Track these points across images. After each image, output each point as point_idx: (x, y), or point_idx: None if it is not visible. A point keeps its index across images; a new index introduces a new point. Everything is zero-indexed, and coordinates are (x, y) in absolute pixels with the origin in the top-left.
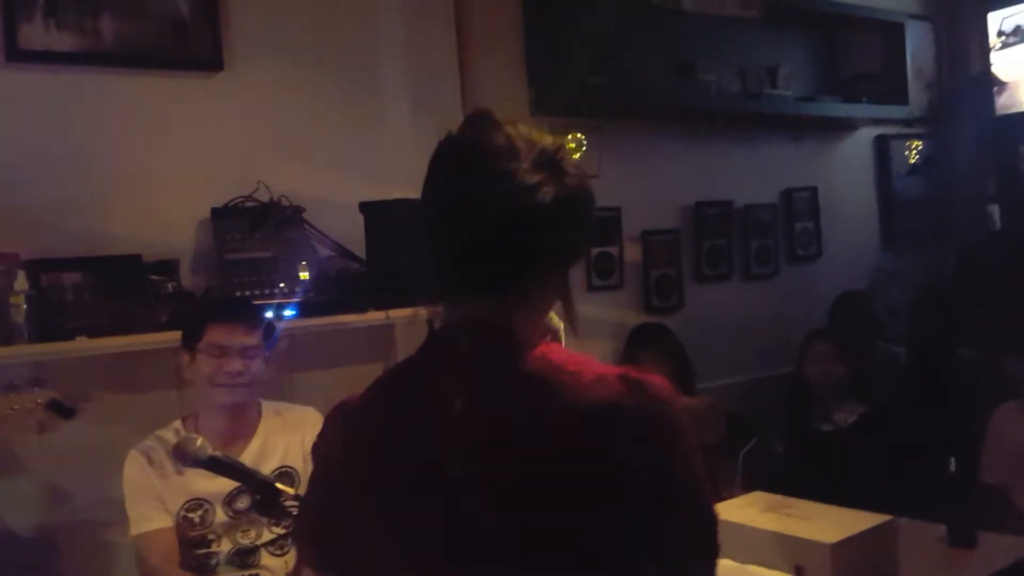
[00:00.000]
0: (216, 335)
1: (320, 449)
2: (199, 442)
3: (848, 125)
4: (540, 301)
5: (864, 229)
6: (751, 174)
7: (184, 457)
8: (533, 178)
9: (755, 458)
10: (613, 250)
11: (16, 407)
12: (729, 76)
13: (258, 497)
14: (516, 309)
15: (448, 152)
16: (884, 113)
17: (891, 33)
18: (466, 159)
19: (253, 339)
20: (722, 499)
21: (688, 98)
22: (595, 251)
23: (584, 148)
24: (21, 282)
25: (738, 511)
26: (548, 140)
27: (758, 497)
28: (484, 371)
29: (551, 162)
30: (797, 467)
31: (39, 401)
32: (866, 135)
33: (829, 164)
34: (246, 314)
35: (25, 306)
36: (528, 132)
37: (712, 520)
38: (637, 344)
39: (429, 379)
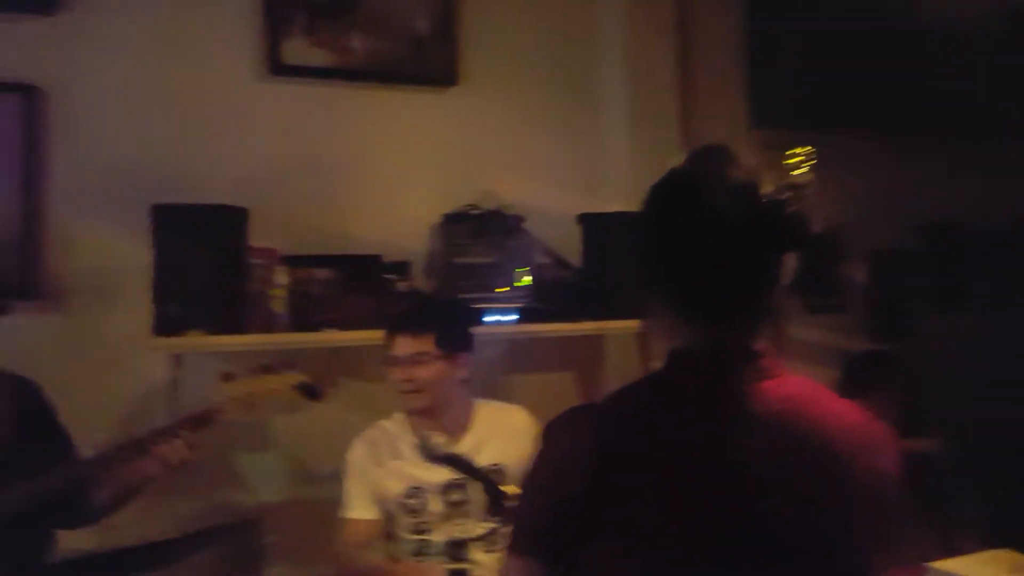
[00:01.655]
0: (391, 346)
1: (555, 448)
2: (437, 440)
3: None
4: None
5: None
6: (993, 193)
7: (424, 452)
8: (785, 208)
9: (1007, 510)
10: (835, 270)
11: (272, 387)
12: (966, 86)
13: (487, 497)
14: (759, 332)
15: (689, 181)
16: None
17: None
18: (716, 188)
19: (419, 346)
20: (961, 552)
21: (923, 109)
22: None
23: (813, 161)
24: (282, 276)
25: (975, 568)
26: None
27: (1001, 556)
28: (740, 393)
29: (798, 193)
30: None
31: (291, 383)
32: None
33: None
34: (410, 324)
35: (285, 298)
36: (763, 167)
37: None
38: (860, 374)
39: (681, 396)
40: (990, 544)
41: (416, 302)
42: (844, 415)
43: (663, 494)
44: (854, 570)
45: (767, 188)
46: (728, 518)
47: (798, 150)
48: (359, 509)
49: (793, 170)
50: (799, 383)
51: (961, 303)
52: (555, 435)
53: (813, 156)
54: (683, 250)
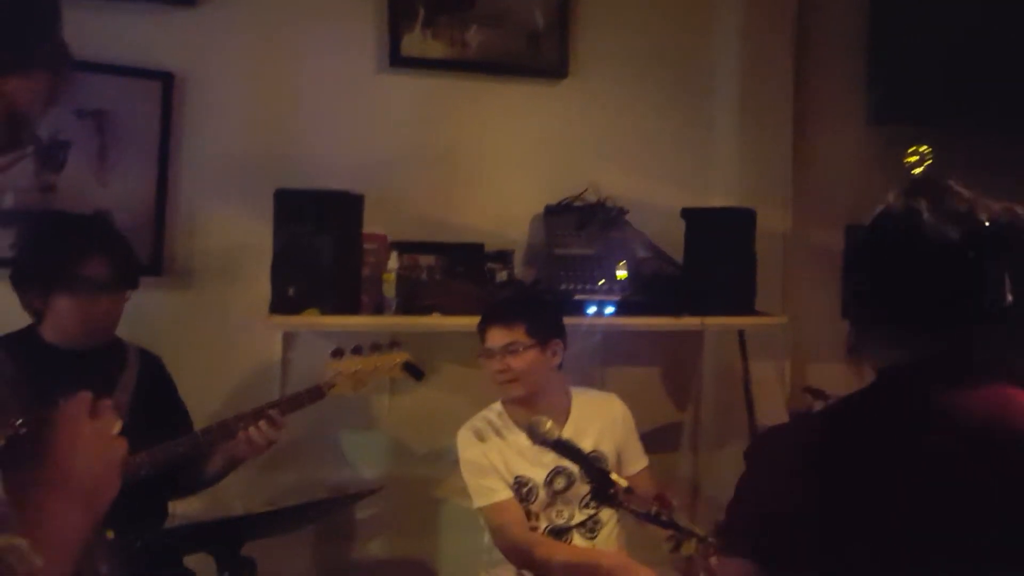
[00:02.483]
0: (484, 339)
1: (772, 457)
2: (548, 425)
3: None
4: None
5: None
6: None
7: (535, 436)
8: (1003, 229)
9: None
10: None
11: (380, 364)
12: None
13: (594, 485)
14: (973, 348)
15: (914, 210)
16: None
17: None
18: (939, 215)
19: (511, 336)
20: None
21: None
22: None
23: (930, 162)
24: (393, 261)
25: None
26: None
27: None
28: (955, 407)
29: (1013, 215)
30: None
31: (397, 361)
32: None
33: None
34: (500, 315)
35: (395, 282)
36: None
37: None
38: None
39: (895, 411)
40: None
41: (507, 294)
42: None
43: (880, 508)
44: None
45: (983, 212)
46: (947, 535)
47: (915, 149)
48: (499, 492)
49: (912, 169)
50: (1014, 394)
51: None
52: (773, 445)
53: (930, 156)
54: (913, 272)
